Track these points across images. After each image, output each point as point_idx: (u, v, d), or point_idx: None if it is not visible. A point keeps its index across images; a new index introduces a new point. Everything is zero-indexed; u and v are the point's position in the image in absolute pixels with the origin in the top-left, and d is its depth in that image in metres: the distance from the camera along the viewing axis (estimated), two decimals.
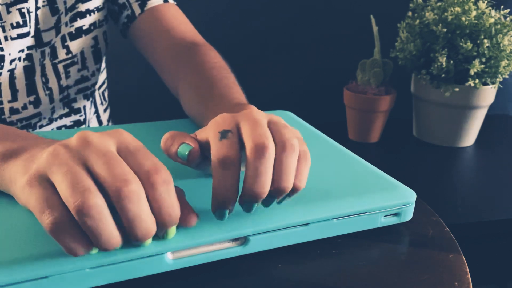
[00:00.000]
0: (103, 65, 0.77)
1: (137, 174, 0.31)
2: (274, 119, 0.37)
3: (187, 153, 0.37)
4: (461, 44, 0.92)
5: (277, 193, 0.34)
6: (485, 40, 0.91)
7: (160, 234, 0.33)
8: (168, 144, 0.37)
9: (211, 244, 0.35)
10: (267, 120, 0.37)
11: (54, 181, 0.30)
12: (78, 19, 0.67)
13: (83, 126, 0.74)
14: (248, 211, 0.35)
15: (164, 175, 0.31)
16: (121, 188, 0.29)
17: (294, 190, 0.35)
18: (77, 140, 0.31)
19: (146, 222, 0.30)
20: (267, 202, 0.35)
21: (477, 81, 0.94)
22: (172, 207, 0.31)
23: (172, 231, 0.33)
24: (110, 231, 0.30)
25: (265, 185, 0.33)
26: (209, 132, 0.36)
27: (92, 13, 0.68)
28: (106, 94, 0.80)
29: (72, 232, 0.29)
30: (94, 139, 0.31)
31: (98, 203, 0.29)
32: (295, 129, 0.38)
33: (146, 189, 0.31)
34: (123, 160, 0.31)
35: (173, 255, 0.34)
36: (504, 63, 0.93)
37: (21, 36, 0.62)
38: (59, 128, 0.71)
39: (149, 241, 0.32)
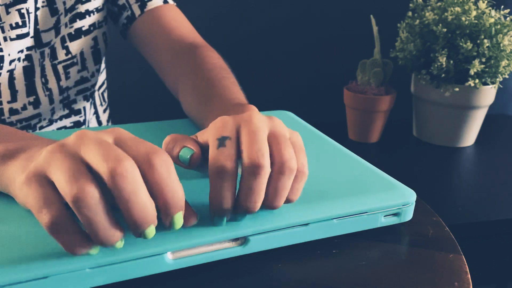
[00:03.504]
0: (103, 65, 0.77)
1: (135, 158, 0.30)
2: (275, 127, 0.36)
3: (188, 157, 0.36)
4: (461, 44, 0.92)
5: (267, 208, 0.35)
6: (485, 40, 0.91)
7: (167, 223, 0.32)
8: (169, 147, 0.37)
9: (211, 244, 0.35)
10: (268, 129, 0.36)
11: (53, 179, 0.30)
12: (78, 20, 0.67)
13: (83, 127, 0.74)
14: (239, 220, 0.36)
15: (163, 155, 0.31)
16: (113, 167, 0.28)
17: (287, 202, 0.36)
18: (75, 138, 0.31)
19: (144, 203, 0.29)
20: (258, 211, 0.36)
21: (477, 81, 0.94)
22: (174, 187, 0.31)
23: (179, 218, 0.32)
24: (109, 224, 0.29)
25: (257, 202, 0.34)
26: (209, 136, 0.36)
27: (91, 14, 0.68)
28: (105, 94, 0.80)
29: (71, 230, 0.29)
30: (90, 135, 0.31)
31: (95, 193, 0.28)
32: (296, 132, 0.38)
33: (145, 171, 0.30)
34: (117, 147, 0.30)
35: (173, 255, 0.34)
36: (504, 63, 0.93)
37: (20, 36, 0.62)
38: (59, 129, 0.71)
39: (152, 232, 0.31)
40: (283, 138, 0.35)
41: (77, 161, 0.30)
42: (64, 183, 0.29)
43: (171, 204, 0.31)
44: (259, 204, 0.34)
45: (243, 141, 0.34)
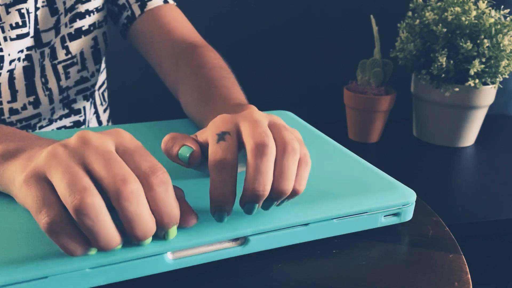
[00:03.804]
0: (103, 65, 0.77)
1: (136, 173, 0.31)
2: (274, 120, 0.37)
3: (188, 155, 0.36)
4: (461, 44, 0.92)
5: (276, 196, 0.34)
6: (485, 40, 0.91)
7: (161, 235, 0.33)
8: (169, 146, 0.37)
9: (211, 244, 0.35)
10: (268, 121, 0.36)
11: (52, 180, 0.30)
12: (78, 19, 0.67)
13: (83, 126, 0.74)
14: (249, 212, 0.35)
15: (162, 175, 0.31)
16: (120, 188, 0.29)
17: (294, 193, 0.35)
18: (76, 140, 0.31)
19: (146, 221, 0.30)
20: (266, 205, 0.35)
21: (477, 81, 0.94)
22: (171, 207, 0.31)
23: (173, 231, 0.33)
24: (109, 231, 0.30)
25: (266, 184, 0.33)
26: (208, 134, 0.36)
27: (91, 14, 0.68)
28: (105, 94, 0.80)
29: (69, 232, 0.29)
30: (93, 139, 0.31)
31: (96, 202, 0.29)
32: (295, 130, 0.38)
33: (144, 190, 0.31)
34: (122, 160, 0.31)
35: (173, 255, 0.34)
36: (504, 63, 0.93)
37: (20, 36, 0.62)
38: (59, 129, 0.71)
39: (149, 240, 0.32)
40: (283, 126, 0.36)
41: (78, 166, 0.30)
42: (64, 190, 0.29)
43: (166, 222, 0.32)
44: (268, 187, 0.33)
45: (244, 131, 0.35)
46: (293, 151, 0.34)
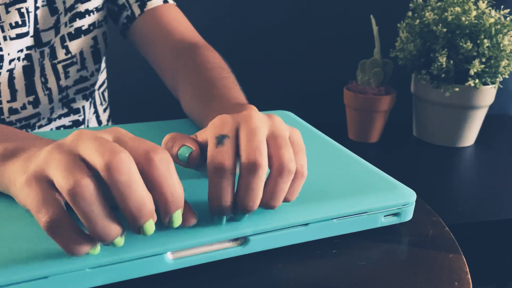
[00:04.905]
0: (103, 65, 0.77)
1: (135, 156, 0.30)
2: (274, 129, 0.36)
3: (187, 155, 0.36)
4: (461, 44, 0.92)
5: (265, 208, 0.35)
6: (485, 40, 0.91)
7: (166, 221, 0.31)
8: (168, 146, 0.37)
9: (211, 244, 0.35)
10: (268, 129, 0.36)
11: (50, 176, 0.30)
12: (78, 19, 0.67)
13: (82, 126, 0.74)
14: (238, 220, 0.36)
15: (163, 153, 0.31)
16: (108, 160, 0.28)
17: (284, 201, 0.36)
18: (72, 137, 0.31)
19: (140, 195, 0.29)
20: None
21: (477, 81, 0.94)
22: (174, 185, 0.31)
23: (178, 217, 0.32)
24: (107, 218, 0.29)
25: (255, 200, 0.34)
26: (208, 135, 0.36)
27: (91, 14, 0.68)
28: (106, 94, 0.80)
29: (70, 231, 0.29)
30: (88, 133, 0.31)
31: (91, 185, 0.28)
32: (296, 130, 0.38)
33: (145, 168, 0.30)
34: (116, 143, 0.30)
35: (173, 255, 0.34)
36: (504, 63, 0.93)
37: (20, 36, 0.62)
38: (58, 128, 0.71)
39: (151, 227, 0.30)
40: (283, 139, 0.35)
41: (74, 157, 0.30)
42: (60, 179, 0.29)
43: (170, 202, 0.31)
44: (257, 203, 0.34)
45: (241, 140, 0.34)
46: (289, 174, 0.34)
